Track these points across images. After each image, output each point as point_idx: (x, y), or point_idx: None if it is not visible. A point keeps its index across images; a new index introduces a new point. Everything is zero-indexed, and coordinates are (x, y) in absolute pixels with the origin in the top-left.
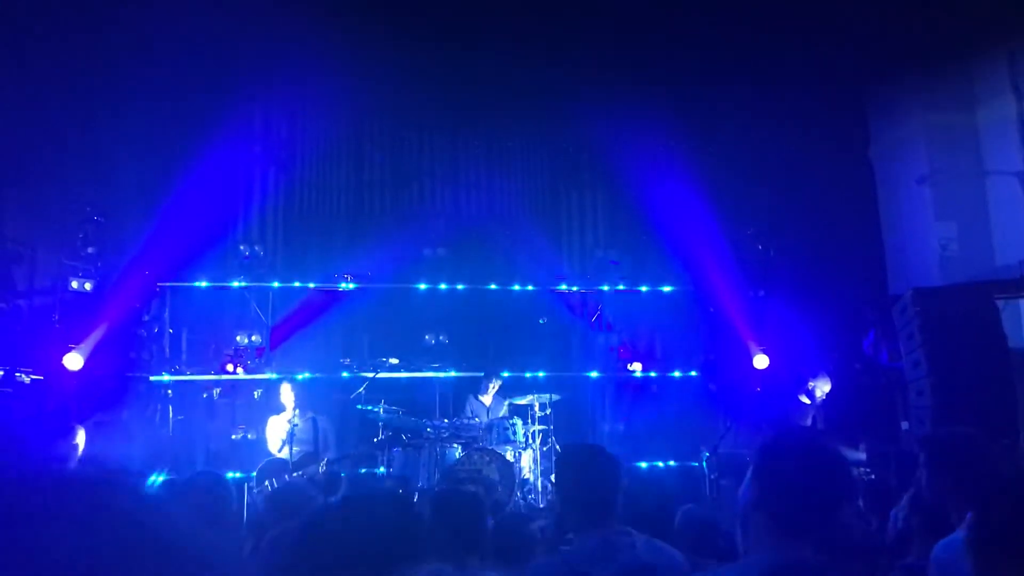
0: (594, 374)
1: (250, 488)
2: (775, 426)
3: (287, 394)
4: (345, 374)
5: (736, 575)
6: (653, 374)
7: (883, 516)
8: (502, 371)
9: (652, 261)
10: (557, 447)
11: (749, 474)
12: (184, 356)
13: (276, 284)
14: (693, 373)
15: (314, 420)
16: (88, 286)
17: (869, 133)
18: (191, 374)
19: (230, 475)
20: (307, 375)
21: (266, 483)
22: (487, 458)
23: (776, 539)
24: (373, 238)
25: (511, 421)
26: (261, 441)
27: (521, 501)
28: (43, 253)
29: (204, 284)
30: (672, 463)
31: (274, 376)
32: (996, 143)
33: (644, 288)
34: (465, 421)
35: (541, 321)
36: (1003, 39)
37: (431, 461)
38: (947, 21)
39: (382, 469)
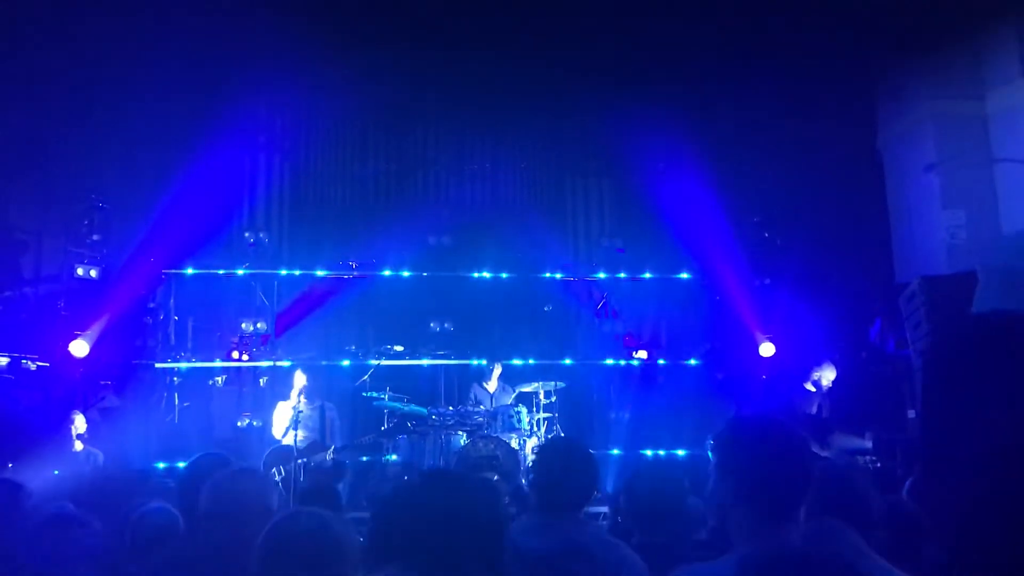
0: (599, 362)
1: None
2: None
3: (299, 380)
4: (347, 362)
5: (721, 570)
6: (659, 362)
7: None
8: (504, 358)
9: (658, 249)
10: (562, 435)
11: (714, 470)
12: (189, 343)
13: (282, 271)
14: (698, 361)
15: (322, 408)
16: (94, 273)
17: (877, 121)
18: (196, 361)
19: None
20: (323, 362)
21: (273, 470)
22: (492, 445)
23: (758, 527)
24: (378, 226)
25: (516, 409)
26: (266, 428)
27: (526, 488)
28: (49, 241)
29: (209, 271)
30: (682, 452)
31: (286, 363)
32: (1005, 130)
33: (650, 276)
34: (470, 409)
35: (546, 309)
36: (1013, 26)
37: (436, 448)
38: (956, 8)
39: (392, 456)
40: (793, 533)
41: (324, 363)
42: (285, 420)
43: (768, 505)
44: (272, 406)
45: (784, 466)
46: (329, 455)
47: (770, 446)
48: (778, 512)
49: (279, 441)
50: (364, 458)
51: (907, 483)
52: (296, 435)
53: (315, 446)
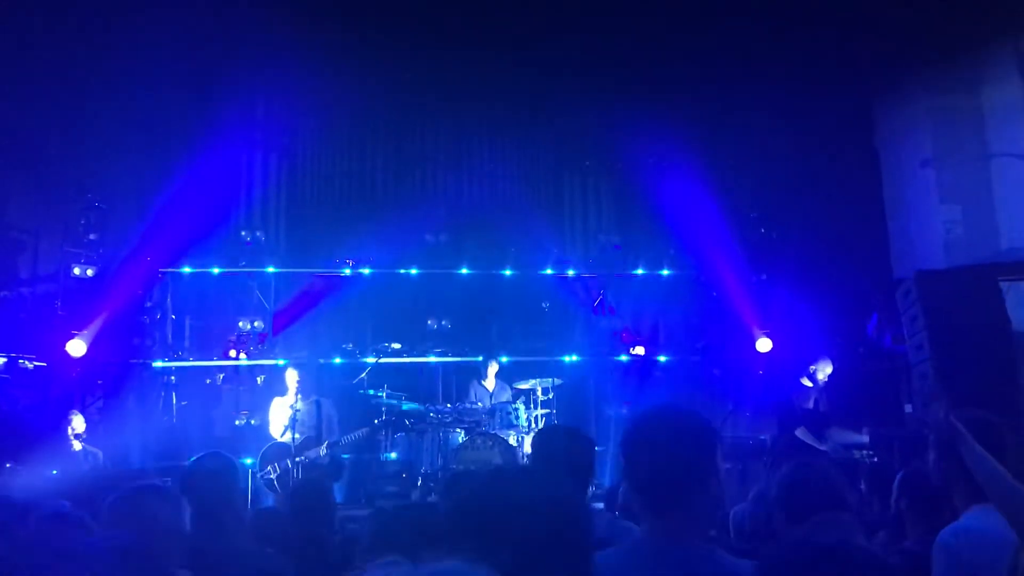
0: (597, 359)
1: (254, 473)
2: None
3: (291, 378)
4: (338, 359)
5: (620, 560)
6: (658, 358)
7: (885, 499)
8: (500, 355)
9: (655, 245)
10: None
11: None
12: (187, 342)
13: (279, 270)
14: (696, 357)
15: (318, 403)
16: (90, 272)
17: (873, 116)
18: (194, 360)
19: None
20: (320, 360)
21: (269, 468)
22: (490, 443)
23: (652, 518)
24: (375, 224)
25: (514, 406)
26: (264, 427)
27: None
28: (46, 240)
29: (206, 270)
30: None
31: (281, 362)
32: (1001, 125)
33: (646, 272)
34: (468, 406)
35: (544, 306)
36: (1009, 20)
37: (434, 446)
38: (952, 3)
39: (392, 455)
40: (688, 523)
41: (321, 361)
42: (282, 418)
43: (657, 495)
44: (270, 404)
45: (670, 458)
46: (322, 450)
47: (659, 439)
48: (665, 502)
49: (274, 438)
50: (362, 456)
51: (898, 476)
52: (295, 433)
53: (309, 442)
